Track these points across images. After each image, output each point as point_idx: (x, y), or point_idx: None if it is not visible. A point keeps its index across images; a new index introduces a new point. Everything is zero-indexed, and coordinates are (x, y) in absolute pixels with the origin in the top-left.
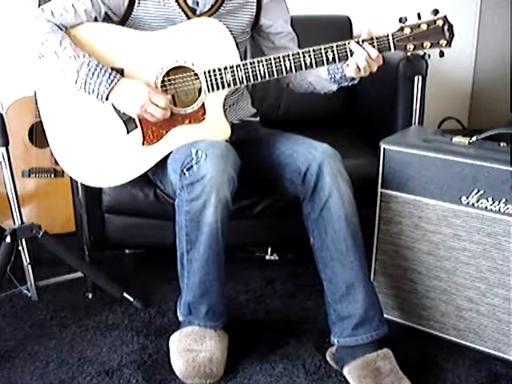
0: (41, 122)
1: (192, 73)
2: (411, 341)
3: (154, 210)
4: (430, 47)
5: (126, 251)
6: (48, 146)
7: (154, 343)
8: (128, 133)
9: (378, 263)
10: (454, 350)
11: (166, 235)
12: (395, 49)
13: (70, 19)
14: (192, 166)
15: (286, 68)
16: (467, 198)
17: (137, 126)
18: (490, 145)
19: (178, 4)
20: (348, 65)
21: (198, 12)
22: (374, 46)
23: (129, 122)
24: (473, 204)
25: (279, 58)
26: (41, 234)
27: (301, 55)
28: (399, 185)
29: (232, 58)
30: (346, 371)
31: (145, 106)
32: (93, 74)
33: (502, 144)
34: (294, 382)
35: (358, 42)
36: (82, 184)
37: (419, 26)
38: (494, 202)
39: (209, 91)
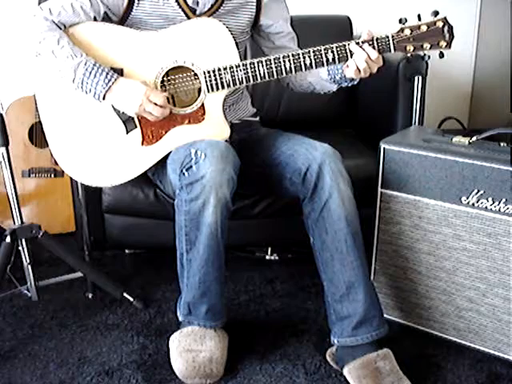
0: (40, 122)
1: (192, 73)
2: (411, 341)
3: (154, 210)
4: (430, 48)
5: (126, 251)
6: (48, 145)
7: (154, 343)
8: (127, 133)
9: (378, 263)
10: (454, 350)
11: (166, 235)
12: (395, 50)
13: (68, 18)
14: (191, 166)
15: (285, 69)
16: (467, 198)
17: (136, 126)
18: (489, 145)
19: (178, 4)
20: (348, 66)
21: (197, 12)
22: (373, 47)
23: (128, 122)
24: (473, 204)
25: (279, 58)
26: (41, 233)
27: (300, 56)
28: (399, 185)
29: (232, 59)
30: (345, 371)
31: (143, 104)
32: (90, 73)
33: (502, 144)
34: (294, 382)
35: (357, 43)
36: (82, 184)
37: (419, 27)
38: (493, 202)
39: (208, 91)
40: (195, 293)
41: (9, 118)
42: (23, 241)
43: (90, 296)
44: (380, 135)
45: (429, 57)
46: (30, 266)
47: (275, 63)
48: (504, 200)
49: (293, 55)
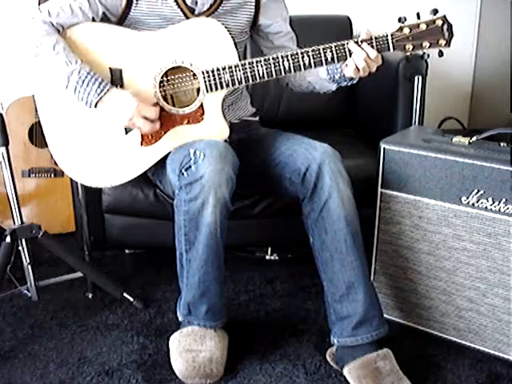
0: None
1: (191, 73)
2: (411, 341)
3: (153, 210)
4: (429, 47)
5: (126, 251)
6: (48, 146)
7: (154, 343)
8: (126, 133)
9: (378, 263)
10: (454, 350)
11: (166, 235)
12: (394, 49)
13: (67, 19)
14: (190, 166)
15: (284, 68)
16: (467, 198)
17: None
18: (490, 145)
19: (177, 3)
20: (347, 65)
21: (196, 11)
22: (372, 47)
23: None
24: (473, 204)
25: (278, 58)
26: (41, 233)
27: (299, 55)
28: (399, 185)
29: (230, 58)
30: (345, 371)
31: (133, 119)
32: (83, 81)
33: (502, 144)
34: (294, 382)
35: (356, 42)
36: (82, 184)
37: (418, 25)
38: (494, 202)
39: (207, 91)
40: (195, 293)
41: (9, 118)
42: (23, 241)
43: (90, 296)
44: (380, 135)
45: (428, 55)
46: (29, 266)
47: (274, 63)
48: (504, 200)
49: (291, 55)
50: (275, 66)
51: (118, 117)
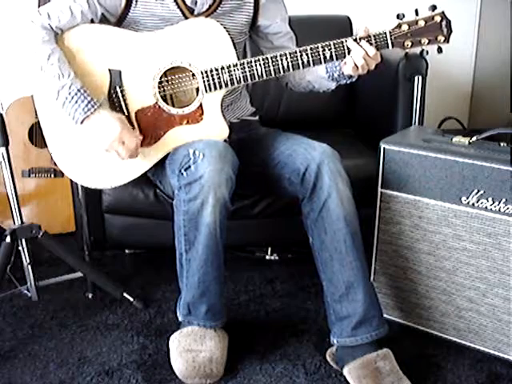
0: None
1: (189, 73)
2: (411, 341)
3: (154, 210)
4: (428, 43)
5: (126, 251)
6: (47, 147)
7: (154, 343)
8: None
9: (378, 263)
10: (454, 350)
11: (166, 235)
12: (393, 46)
13: (67, 21)
14: (190, 166)
15: (283, 67)
16: (467, 198)
17: (134, 128)
18: (490, 145)
19: (176, 4)
20: (346, 63)
21: (195, 12)
22: (371, 44)
23: None
24: (473, 204)
25: (276, 57)
26: (41, 233)
27: (298, 54)
28: (399, 185)
29: (229, 58)
30: (345, 371)
31: (113, 144)
32: (72, 98)
33: (502, 144)
34: (294, 382)
35: (355, 40)
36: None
37: (417, 22)
38: (494, 202)
39: (206, 91)
40: (195, 293)
41: (9, 118)
42: (23, 241)
43: (90, 296)
44: (380, 135)
45: (427, 52)
46: (29, 266)
47: (273, 62)
48: (504, 200)
49: (290, 53)
50: (274, 65)
51: (100, 138)
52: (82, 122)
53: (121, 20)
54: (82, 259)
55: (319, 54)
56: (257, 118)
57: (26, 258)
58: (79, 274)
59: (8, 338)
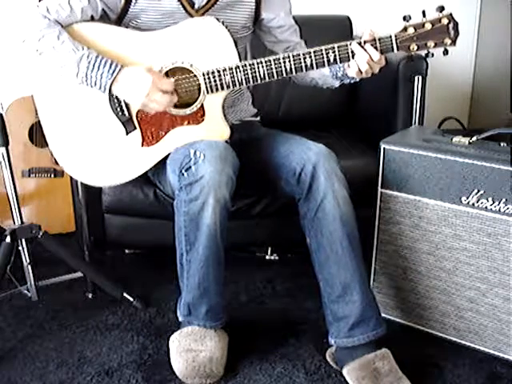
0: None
1: (191, 74)
2: (411, 341)
3: (153, 210)
4: (435, 47)
5: (126, 251)
6: (48, 145)
7: (154, 343)
8: (127, 134)
9: (378, 263)
10: (454, 350)
11: (166, 235)
12: (398, 49)
13: (66, 16)
14: (190, 167)
15: (285, 69)
16: (467, 198)
17: (135, 128)
18: (490, 145)
19: None
20: (349, 66)
21: (196, 5)
22: (376, 48)
23: (128, 124)
24: (473, 204)
25: (279, 59)
26: (41, 234)
27: (301, 57)
28: (399, 185)
29: (231, 59)
30: (345, 372)
31: (150, 93)
32: (93, 65)
33: (502, 144)
34: (294, 382)
35: (359, 44)
36: (82, 184)
37: (423, 25)
38: (494, 202)
39: (208, 92)
40: (195, 293)
41: (9, 117)
42: (23, 241)
43: (90, 296)
44: (380, 135)
45: (432, 55)
46: (29, 266)
47: (275, 64)
48: (504, 200)
49: (293, 56)
50: (276, 68)
51: (134, 95)
52: (110, 88)
53: (121, 16)
54: (82, 259)
55: (323, 58)
56: (258, 118)
57: (26, 258)
58: (79, 274)
59: (8, 337)
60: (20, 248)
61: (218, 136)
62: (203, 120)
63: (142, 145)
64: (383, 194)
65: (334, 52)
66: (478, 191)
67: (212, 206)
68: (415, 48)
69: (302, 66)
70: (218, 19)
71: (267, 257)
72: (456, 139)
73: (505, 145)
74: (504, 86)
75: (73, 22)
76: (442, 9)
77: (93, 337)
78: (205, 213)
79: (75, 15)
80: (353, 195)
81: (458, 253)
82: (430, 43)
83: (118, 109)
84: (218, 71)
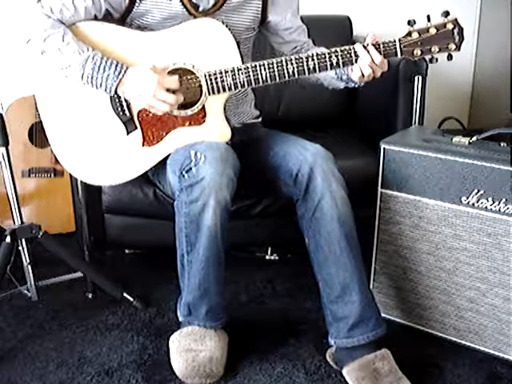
0: (41, 121)
1: (193, 75)
2: (411, 341)
3: (153, 210)
4: (439, 52)
5: (126, 251)
6: (48, 145)
7: (154, 343)
8: (128, 134)
9: (378, 263)
10: (454, 350)
11: (166, 235)
12: (402, 54)
13: (70, 16)
14: (191, 168)
15: (288, 72)
16: (467, 198)
17: (136, 127)
18: (490, 145)
19: (181, 1)
20: (352, 70)
21: (201, 8)
22: (380, 52)
23: (128, 124)
24: (473, 204)
25: (281, 62)
26: (41, 234)
27: (304, 60)
28: (399, 185)
29: (233, 61)
30: (345, 372)
31: (156, 94)
32: (99, 67)
33: (502, 144)
34: (294, 382)
35: (364, 46)
36: (81, 184)
37: (428, 30)
38: (494, 202)
39: (209, 94)
40: (195, 294)
41: (9, 117)
42: (23, 241)
43: (90, 296)
44: (380, 135)
45: (436, 60)
46: (29, 266)
47: (278, 66)
48: (504, 200)
49: (296, 59)
50: (279, 70)
51: (140, 95)
52: (116, 91)
53: (124, 16)
54: (82, 259)
55: (326, 61)
56: (259, 119)
57: (25, 258)
58: (79, 274)
59: (8, 337)
60: (20, 248)
61: (219, 137)
62: (204, 121)
63: (143, 145)
64: (383, 194)
65: (336, 56)
66: (478, 191)
67: (213, 207)
68: (419, 53)
69: (304, 69)
70: (221, 21)
71: (267, 257)
72: (456, 139)
73: (505, 145)
74: (504, 86)
75: (76, 21)
76: (447, 14)
77: (93, 337)
78: (205, 214)
79: (79, 15)
80: (352, 195)
81: (458, 253)
82: (435, 48)
83: (119, 108)
84: (220, 73)
